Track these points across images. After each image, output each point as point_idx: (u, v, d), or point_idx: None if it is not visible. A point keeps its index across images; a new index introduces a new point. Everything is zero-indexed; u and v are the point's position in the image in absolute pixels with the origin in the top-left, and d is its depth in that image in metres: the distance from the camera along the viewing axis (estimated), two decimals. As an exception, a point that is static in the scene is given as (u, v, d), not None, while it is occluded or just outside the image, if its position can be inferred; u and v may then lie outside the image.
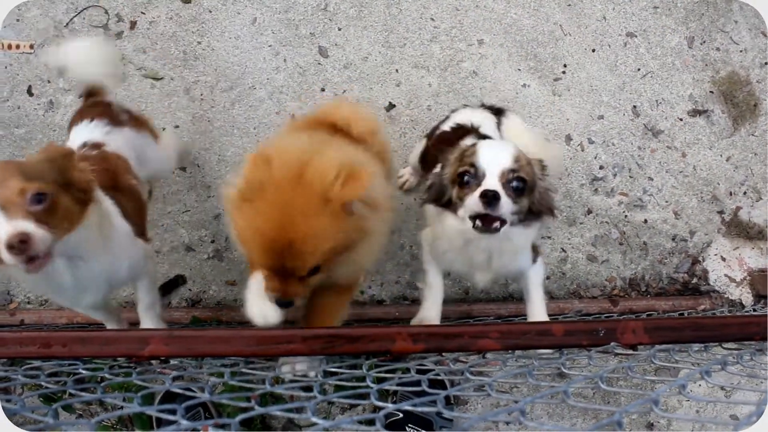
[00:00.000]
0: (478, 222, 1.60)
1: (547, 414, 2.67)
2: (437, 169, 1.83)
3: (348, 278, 1.81)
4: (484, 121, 2.28)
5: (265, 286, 1.54)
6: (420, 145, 2.56)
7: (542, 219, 1.76)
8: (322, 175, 1.47)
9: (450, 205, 1.75)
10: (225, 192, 1.59)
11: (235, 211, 1.53)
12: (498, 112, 2.41)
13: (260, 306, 1.58)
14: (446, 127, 2.30)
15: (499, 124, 2.34)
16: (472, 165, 1.64)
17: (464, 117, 2.29)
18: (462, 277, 2.63)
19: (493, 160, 1.63)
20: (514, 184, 1.62)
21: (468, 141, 2.07)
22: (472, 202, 1.59)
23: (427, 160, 2.40)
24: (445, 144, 2.18)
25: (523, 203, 1.66)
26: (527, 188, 1.64)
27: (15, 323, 2.63)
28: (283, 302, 1.55)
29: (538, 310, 2.00)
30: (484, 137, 2.12)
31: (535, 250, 2.00)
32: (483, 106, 2.48)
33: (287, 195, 1.46)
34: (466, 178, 1.65)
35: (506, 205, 1.59)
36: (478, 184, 1.61)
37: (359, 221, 1.52)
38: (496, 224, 1.60)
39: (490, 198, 1.56)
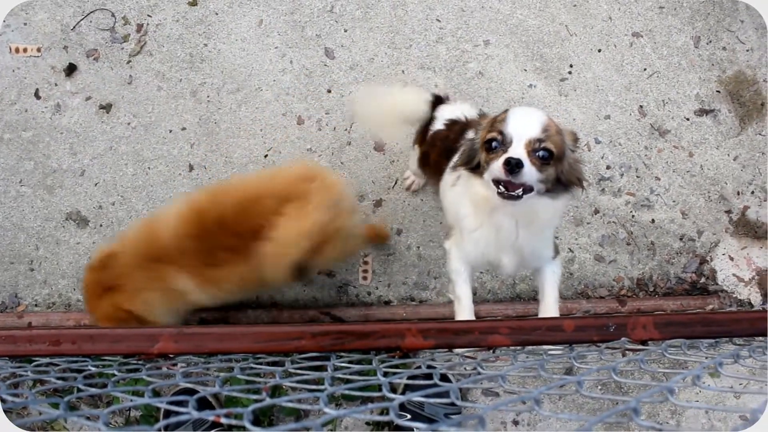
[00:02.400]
0: (500, 187, 1.62)
1: (555, 414, 2.66)
2: (470, 134, 1.84)
3: None
4: (474, 113, 2.30)
5: None
6: (414, 153, 2.54)
7: (570, 191, 1.76)
8: None
9: (478, 170, 1.76)
10: None
11: None
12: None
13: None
14: (439, 125, 2.29)
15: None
16: (501, 132, 1.65)
17: (453, 112, 2.29)
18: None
19: (521, 128, 1.64)
20: (540, 153, 1.62)
21: (471, 134, 2.10)
22: (496, 167, 1.61)
23: (428, 164, 2.40)
24: (444, 142, 2.19)
25: (549, 172, 1.66)
26: (554, 158, 1.64)
27: (23, 326, 2.64)
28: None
29: (551, 309, 2.00)
30: None
31: (555, 248, 2.01)
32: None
33: None
34: (494, 144, 1.66)
35: (530, 173, 1.60)
36: (505, 151, 1.62)
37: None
38: (518, 191, 1.62)
39: (512, 166, 1.57)
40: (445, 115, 2.30)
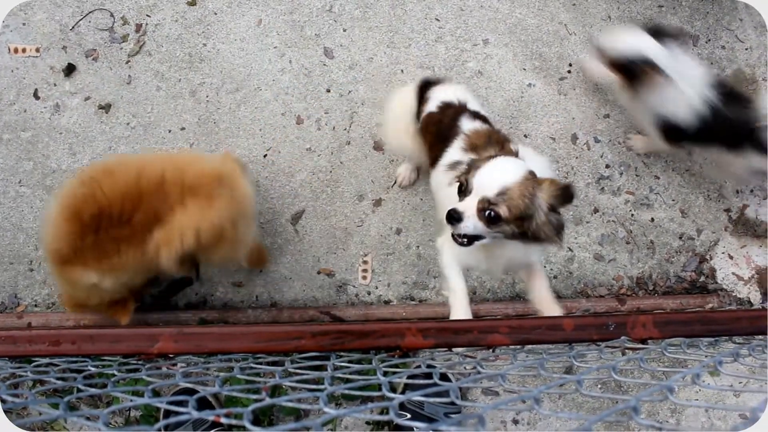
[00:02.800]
0: (454, 230, 1.75)
1: (554, 413, 2.66)
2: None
3: None
4: (467, 95, 2.34)
5: None
6: None
7: (542, 243, 1.81)
8: None
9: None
10: None
11: None
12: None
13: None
14: (432, 107, 2.30)
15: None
16: (467, 181, 1.74)
17: (448, 94, 2.31)
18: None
19: (481, 185, 1.71)
20: (487, 213, 1.69)
21: (466, 122, 2.14)
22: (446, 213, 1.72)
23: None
24: (437, 127, 2.24)
25: (504, 229, 1.73)
26: (503, 220, 1.70)
27: (22, 326, 2.63)
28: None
29: (544, 294, 2.06)
30: (476, 114, 2.22)
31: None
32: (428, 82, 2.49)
33: None
34: (462, 187, 1.76)
35: (472, 227, 1.71)
36: (467, 196, 1.73)
37: None
38: (463, 240, 1.76)
39: (450, 217, 1.71)
40: (439, 96, 2.32)
